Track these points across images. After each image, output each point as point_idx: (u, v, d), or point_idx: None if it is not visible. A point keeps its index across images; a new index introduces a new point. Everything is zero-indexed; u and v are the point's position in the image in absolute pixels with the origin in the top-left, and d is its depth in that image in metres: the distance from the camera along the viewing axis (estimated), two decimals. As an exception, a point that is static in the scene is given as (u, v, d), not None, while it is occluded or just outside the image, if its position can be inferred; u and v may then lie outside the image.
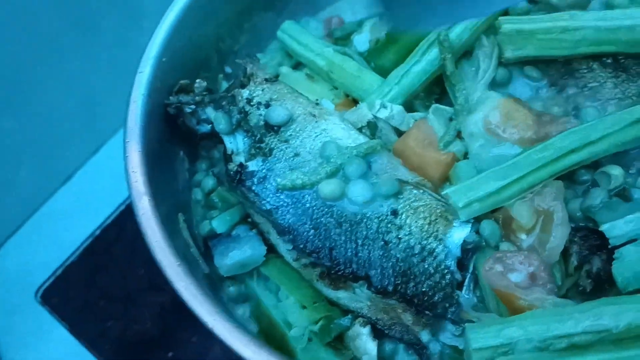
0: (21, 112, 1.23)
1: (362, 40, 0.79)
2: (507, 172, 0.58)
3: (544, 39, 0.65)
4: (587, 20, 0.64)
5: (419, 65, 0.69)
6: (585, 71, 0.67)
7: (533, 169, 0.57)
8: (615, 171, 0.57)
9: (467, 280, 0.59)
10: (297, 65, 0.82)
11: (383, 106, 0.67)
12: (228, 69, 0.82)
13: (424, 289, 0.57)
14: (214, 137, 0.70)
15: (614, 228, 0.53)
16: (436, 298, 0.57)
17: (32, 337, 0.95)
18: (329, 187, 0.60)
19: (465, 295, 0.58)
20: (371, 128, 0.67)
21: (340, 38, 0.82)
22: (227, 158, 0.67)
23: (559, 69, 0.68)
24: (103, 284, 0.98)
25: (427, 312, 0.58)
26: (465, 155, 0.65)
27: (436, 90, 0.73)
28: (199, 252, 0.63)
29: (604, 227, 0.53)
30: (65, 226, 1.03)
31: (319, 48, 0.76)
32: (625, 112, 0.58)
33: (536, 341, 0.49)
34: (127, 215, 0.95)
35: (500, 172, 0.58)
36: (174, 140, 0.71)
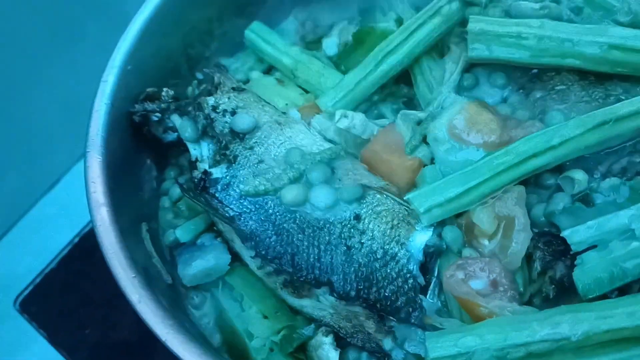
0: (4, 119, 1.22)
1: (330, 44, 0.79)
2: (468, 177, 0.57)
3: (510, 42, 0.64)
4: (555, 30, 0.63)
5: (377, 72, 0.70)
6: (552, 74, 0.66)
7: (494, 174, 0.57)
8: (579, 176, 0.57)
9: (432, 285, 0.58)
10: (269, 71, 0.82)
11: (344, 116, 0.66)
12: (199, 76, 0.81)
13: (386, 294, 0.57)
14: (181, 146, 0.70)
15: (575, 234, 0.52)
16: (399, 303, 0.57)
17: (10, 346, 0.94)
18: (291, 193, 0.60)
19: (429, 300, 0.58)
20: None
21: (312, 42, 0.83)
22: (192, 165, 0.67)
23: (527, 72, 0.67)
24: (81, 291, 0.98)
25: (390, 317, 0.57)
26: (432, 161, 0.64)
27: (403, 92, 0.73)
28: (162, 263, 0.63)
29: (565, 233, 0.53)
30: (47, 234, 1.02)
31: (285, 47, 0.77)
32: (587, 116, 0.57)
33: (493, 350, 0.48)
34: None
35: (461, 177, 0.57)
36: (140, 149, 0.71)
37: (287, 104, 0.75)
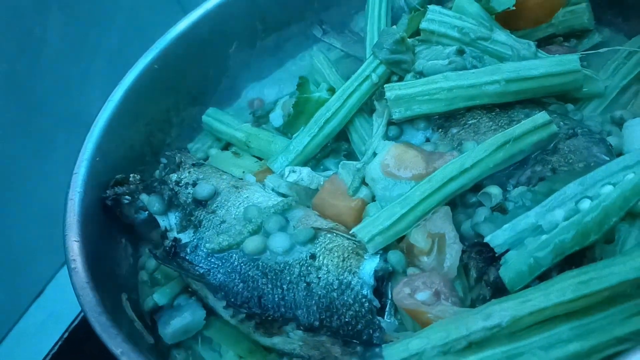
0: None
1: (276, 117, 0.90)
2: (401, 206, 0.66)
3: (424, 100, 0.74)
4: (457, 80, 0.74)
5: (320, 135, 0.81)
6: (464, 112, 0.77)
7: (421, 200, 0.65)
8: (494, 190, 0.66)
9: (387, 307, 0.65)
10: (227, 147, 0.93)
11: (292, 171, 0.76)
12: (164, 160, 0.90)
13: (346, 319, 0.63)
14: (152, 223, 0.78)
15: (495, 238, 0.60)
16: (359, 326, 0.63)
17: None
18: (252, 243, 0.68)
19: (387, 320, 0.64)
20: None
21: (261, 116, 0.94)
22: (163, 235, 0.74)
23: (443, 113, 0.78)
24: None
25: (354, 340, 0.63)
26: (374, 198, 0.73)
27: (344, 147, 0.84)
28: (143, 325, 0.69)
29: (487, 239, 0.60)
30: (37, 337, 1.06)
31: (238, 124, 0.90)
32: (492, 139, 0.67)
33: (439, 347, 0.55)
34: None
35: (395, 207, 0.66)
36: (116, 230, 0.79)
37: (244, 172, 0.84)
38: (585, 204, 0.57)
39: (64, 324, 1.05)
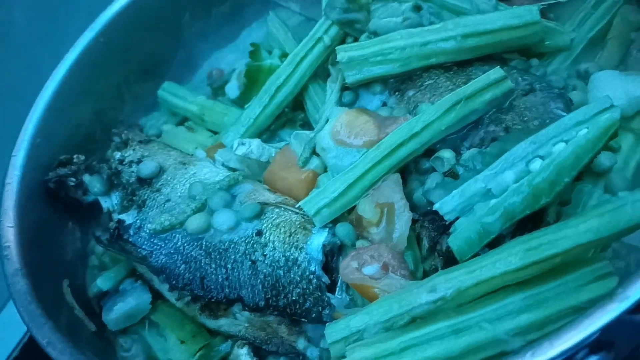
0: None
1: (232, 88, 0.86)
2: (348, 176, 0.62)
3: (377, 61, 0.69)
4: (411, 38, 0.69)
5: (272, 105, 0.76)
6: (420, 72, 0.72)
7: (369, 168, 0.61)
8: (446, 154, 0.61)
9: (339, 282, 0.61)
10: (183, 123, 0.89)
11: (241, 143, 0.72)
12: (116, 139, 0.86)
13: (294, 297, 0.60)
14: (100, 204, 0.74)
15: (444, 205, 0.56)
16: (308, 304, 0.60)
17: None
18: (195, 222, 0.64)
19: (337, 297, 0.61)
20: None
21: (219, 88, 0.89)
22: (110, 217, 0.71)
23: (399, 75, 0.73)
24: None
25: (303, 319, 0.60)
26: (327, 169, 0.69)
27: (300, 117, 0.79)
28: (85, 313, 0.66)
29: (436, 206, 0.56)
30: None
31: (193, 97, 0.85)
32: (442, 100, 0.63)
33: (381, 323, 0.52)
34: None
35: (342, 177, 0.62)
36: (61, 214, 0.75)
37: (196, 147, 0.80)
38: (536, 164, 0.53)
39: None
